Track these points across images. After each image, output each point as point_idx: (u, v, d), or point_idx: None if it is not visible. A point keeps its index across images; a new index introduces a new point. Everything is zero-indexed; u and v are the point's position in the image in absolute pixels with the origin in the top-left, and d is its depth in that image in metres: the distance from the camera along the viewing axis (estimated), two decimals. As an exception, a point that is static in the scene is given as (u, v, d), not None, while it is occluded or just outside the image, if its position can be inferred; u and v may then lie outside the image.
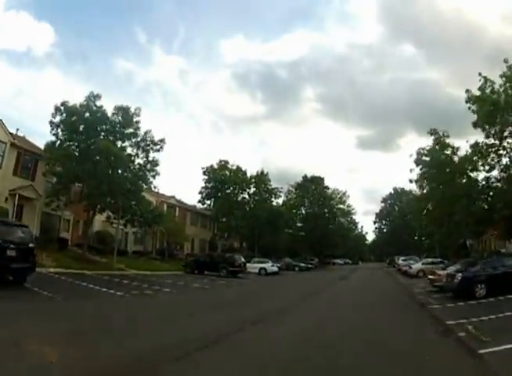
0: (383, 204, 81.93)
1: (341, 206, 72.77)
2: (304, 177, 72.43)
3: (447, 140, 29.55)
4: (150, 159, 31.20)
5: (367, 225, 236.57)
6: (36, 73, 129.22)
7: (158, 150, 31.20)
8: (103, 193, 27.23)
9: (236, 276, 31.70)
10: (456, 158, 28.75)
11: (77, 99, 31.64)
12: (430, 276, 21.89)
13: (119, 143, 30.38)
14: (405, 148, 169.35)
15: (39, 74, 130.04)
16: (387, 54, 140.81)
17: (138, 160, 31.26)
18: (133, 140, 30.43)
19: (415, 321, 12.03)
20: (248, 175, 56.89)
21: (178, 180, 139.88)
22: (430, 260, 37.36)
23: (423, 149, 30.61)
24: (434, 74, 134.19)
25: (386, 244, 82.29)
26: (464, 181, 28.41)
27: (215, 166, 56.27)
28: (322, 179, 72.13)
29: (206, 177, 55.64)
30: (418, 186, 55.39)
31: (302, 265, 51.56)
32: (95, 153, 27.29)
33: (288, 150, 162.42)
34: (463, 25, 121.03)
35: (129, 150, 31.02)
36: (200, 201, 55.40)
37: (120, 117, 29.77)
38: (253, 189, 56.33)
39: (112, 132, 29.58)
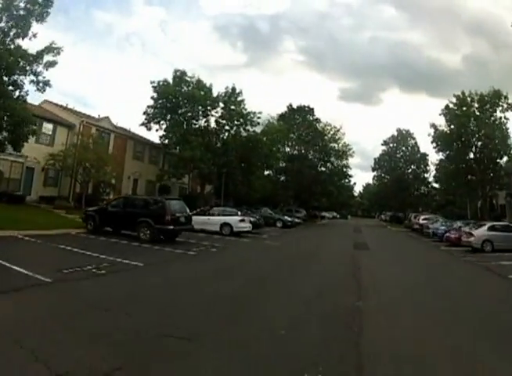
0: (384, 148, 64.83)
1: (335, 145, 56.42)
2: (290, 107, 55.61)
3: None
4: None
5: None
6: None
7: (42, 18, 18.57)
8: None
9: (171, 239, 17.51)
10: None
11: None
12: None
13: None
14: (387, 102, 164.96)
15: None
16: (368, 14, 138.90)
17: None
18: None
19: None
20: (215, 94, 39.75)
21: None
22: (498, 225, 22.55)
23: None
24: (416, 36, 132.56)
25: (381, 197, 66.99)
26: None
27: (170, 81, 38.80)
28: (312, 110, 55.41)
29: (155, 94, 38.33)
30: (447, 120, 40.68)
31: (287, 219, 36.31)
32: None
33: (270, 98, 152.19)
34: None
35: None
36: (143, 124, 38.01)
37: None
38: (220, 111, 39.17)
39: None
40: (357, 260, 15.65)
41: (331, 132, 56.37)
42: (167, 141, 38.23)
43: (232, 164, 38.55)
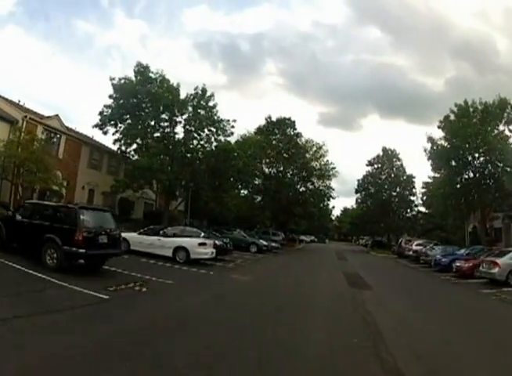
0: (368, 169, 59.79)
1: (317, 163, 51.01)
2: (269, 119, 50.30)
3: None
4: None
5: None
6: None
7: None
8: None
9: (95, 267, 12.45)
10: None
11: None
12: None
13: None
14: (367, 128, 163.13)
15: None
16: (352, 36, 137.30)
17: None
18: None
19: None
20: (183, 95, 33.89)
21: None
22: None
23: None
24: (400, 60, 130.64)
25: (364, 221, 61.36)
26: None
27: (133, 78, 33.24)
28: (293, 123, 50.13)
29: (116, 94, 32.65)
30: (446, 134, 36.11)
31: (263, 243, 30.90)
32: None
33: (249, 120, 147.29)
34: (432, 15, 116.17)
35: None
36: (97, 126, 32.16)
37: None
38: (188, 116, 33.18)
39: None
40: (364, 310, 10.39)
41: (313, 149, 51.56)
42: (123, 147, 32.79)
43: (201, 177, 33.11)
